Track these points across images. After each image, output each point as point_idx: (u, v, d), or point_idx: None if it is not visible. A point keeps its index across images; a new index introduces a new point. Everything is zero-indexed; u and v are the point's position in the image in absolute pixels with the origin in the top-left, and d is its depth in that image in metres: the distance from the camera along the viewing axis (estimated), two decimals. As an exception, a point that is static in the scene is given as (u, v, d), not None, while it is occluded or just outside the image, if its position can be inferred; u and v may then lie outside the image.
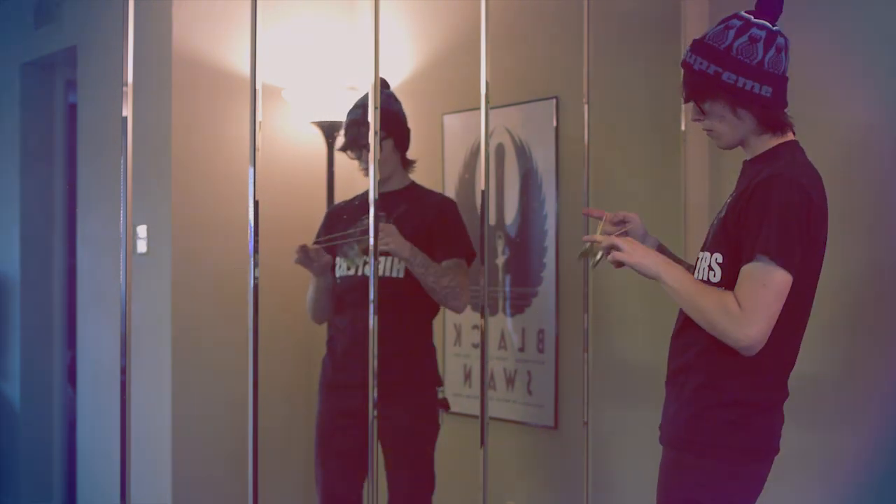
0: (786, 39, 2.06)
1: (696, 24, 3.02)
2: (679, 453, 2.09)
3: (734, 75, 2.01)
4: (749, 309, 1.94)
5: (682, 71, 2.11)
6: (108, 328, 4.13)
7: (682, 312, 2.14)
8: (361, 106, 3.05)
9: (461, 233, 3.08)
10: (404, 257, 2.89)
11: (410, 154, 3.15)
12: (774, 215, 1.94)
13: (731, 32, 2.03)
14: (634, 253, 2.10)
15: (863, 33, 2.71)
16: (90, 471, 4.38)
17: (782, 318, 1.98)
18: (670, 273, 2.06)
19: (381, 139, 2.95)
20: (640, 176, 3.24)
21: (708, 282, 2.05)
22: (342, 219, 3.16)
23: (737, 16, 2.07)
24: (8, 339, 4.96)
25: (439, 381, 3.11)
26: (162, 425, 3.78)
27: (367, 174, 3.02)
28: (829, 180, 2.08)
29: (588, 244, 2.20)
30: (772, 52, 2.02)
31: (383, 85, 3.10)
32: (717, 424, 2.03)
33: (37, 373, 4.88)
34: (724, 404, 2.03)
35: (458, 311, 3.04)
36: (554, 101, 3.46)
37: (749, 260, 1.96)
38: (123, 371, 2.45)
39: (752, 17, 2.05)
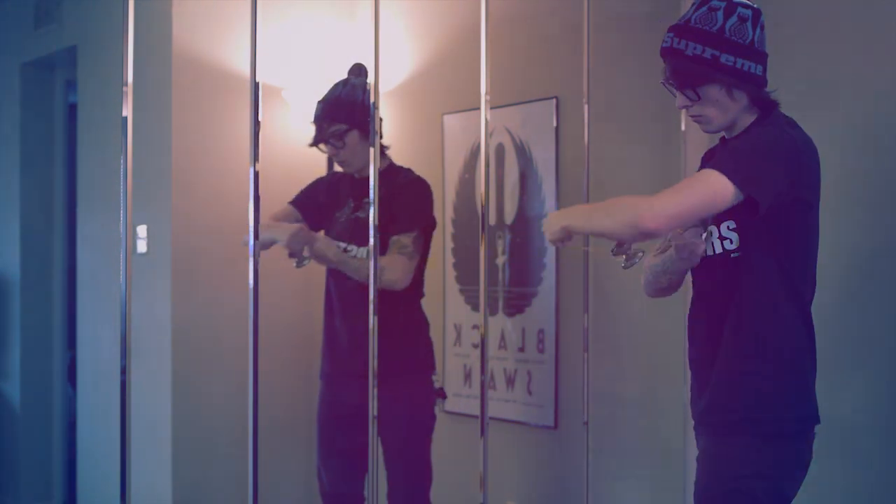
0: (762, 14, 2.03)
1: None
2: (765, 437, 2.00)
3: (731, 57, 1.97)
4: (665, 194, 1.91)
5: (668, 59, 2.03)
6: (108, 328, 4.14)
7: (694, 292, 2.12)
8: (322, 101, 3.05)
9: (412, 207, 2.99)
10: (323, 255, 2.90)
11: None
12: (747, 147, 1.95)
13: (719, 14, 1.98)
14: (547, 224, 2.08)
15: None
16: (90, 471, 4.38)
17: (795, 277, 1.99)
18: (570, 212, 2.08)
19: (345, 132, 2.97)
20: (641, 176, 3.24)
21: (725, 251, 2.01)
22: (327, 200, 3.14)
23: None
24: (8, 339, 4.96)
25: (433, 367, 3.07)
26: (162, 425, 3.78)
27: (344, 167, 3.08)
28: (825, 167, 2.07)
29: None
30: (758, 30, 2.01)
31: (356, 73, 3.10)
32: (800, 399, 2.03)
33: (37, 373, 4.88)
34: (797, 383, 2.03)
35: (394, 286, 2.87)
36: (554, 101, 3.45)
37: None
38: (123, 371, 2.46)
39: None
